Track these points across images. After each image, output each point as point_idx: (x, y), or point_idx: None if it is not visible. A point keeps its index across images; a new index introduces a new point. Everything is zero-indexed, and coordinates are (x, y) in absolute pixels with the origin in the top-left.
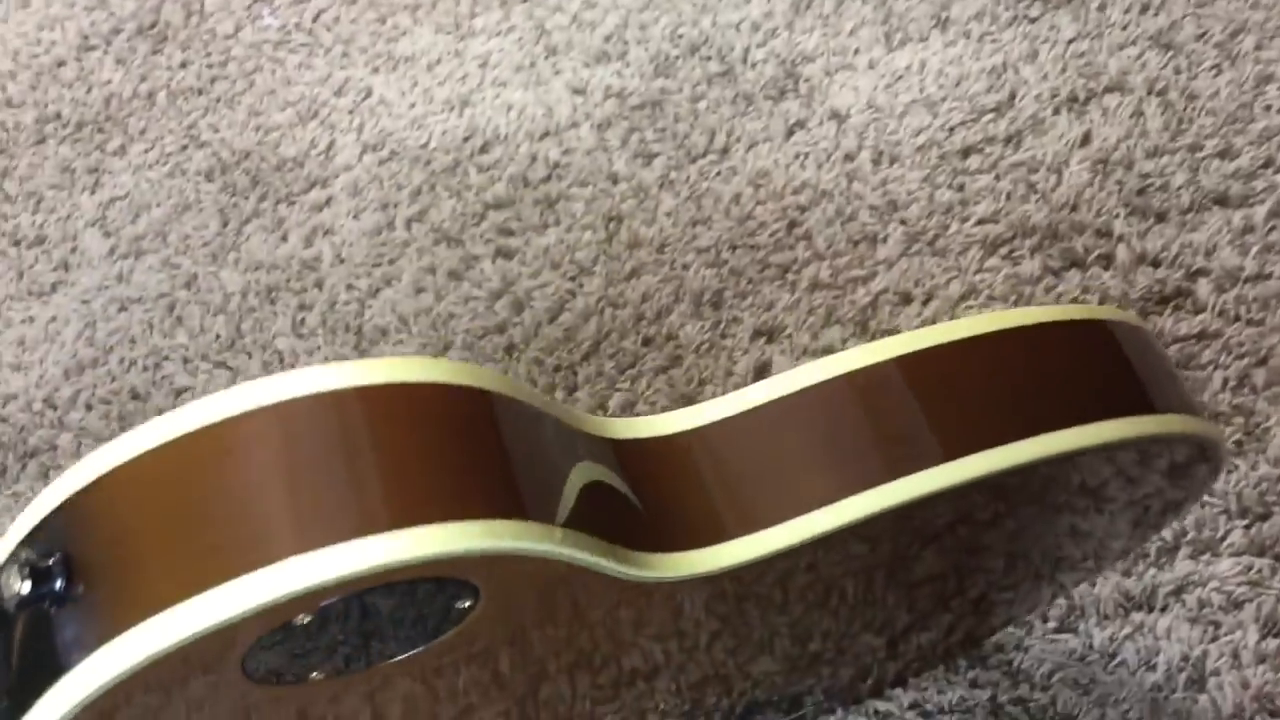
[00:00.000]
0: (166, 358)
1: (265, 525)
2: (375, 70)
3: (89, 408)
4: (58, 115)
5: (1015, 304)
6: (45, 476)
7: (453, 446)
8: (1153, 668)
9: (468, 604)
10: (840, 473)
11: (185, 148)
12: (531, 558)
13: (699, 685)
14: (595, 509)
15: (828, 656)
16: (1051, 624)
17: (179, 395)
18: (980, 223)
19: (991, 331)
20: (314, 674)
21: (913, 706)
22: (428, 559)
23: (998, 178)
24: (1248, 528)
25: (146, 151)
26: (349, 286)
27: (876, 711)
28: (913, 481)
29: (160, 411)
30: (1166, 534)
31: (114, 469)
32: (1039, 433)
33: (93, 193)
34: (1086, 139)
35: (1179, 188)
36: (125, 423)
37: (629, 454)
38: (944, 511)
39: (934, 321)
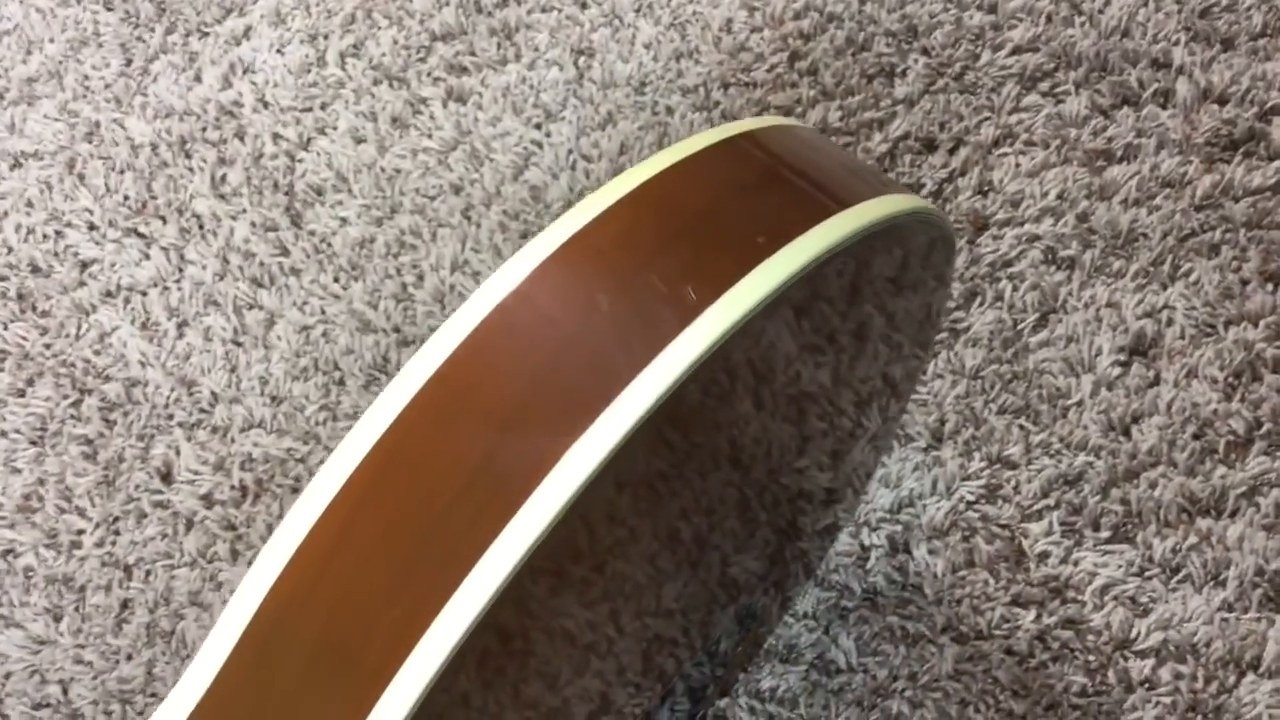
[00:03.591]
0: (69, 224)
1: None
2: None
3: None
4: None
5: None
6: None
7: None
8: (1222, 583)
9: None
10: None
11: None
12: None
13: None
14: None
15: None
16: (1104, 533)
17: (84, 269)
18: (1016, 51)
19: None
20: None
21: (945, 629)
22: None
23: None
24: None
25: None
26: (276, 136)
27: (906, 633)
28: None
29: (64, 288)
30: (1237, 425)
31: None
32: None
33: None
34: None
35: (1249, 8)
36: (24, 302)
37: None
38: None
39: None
